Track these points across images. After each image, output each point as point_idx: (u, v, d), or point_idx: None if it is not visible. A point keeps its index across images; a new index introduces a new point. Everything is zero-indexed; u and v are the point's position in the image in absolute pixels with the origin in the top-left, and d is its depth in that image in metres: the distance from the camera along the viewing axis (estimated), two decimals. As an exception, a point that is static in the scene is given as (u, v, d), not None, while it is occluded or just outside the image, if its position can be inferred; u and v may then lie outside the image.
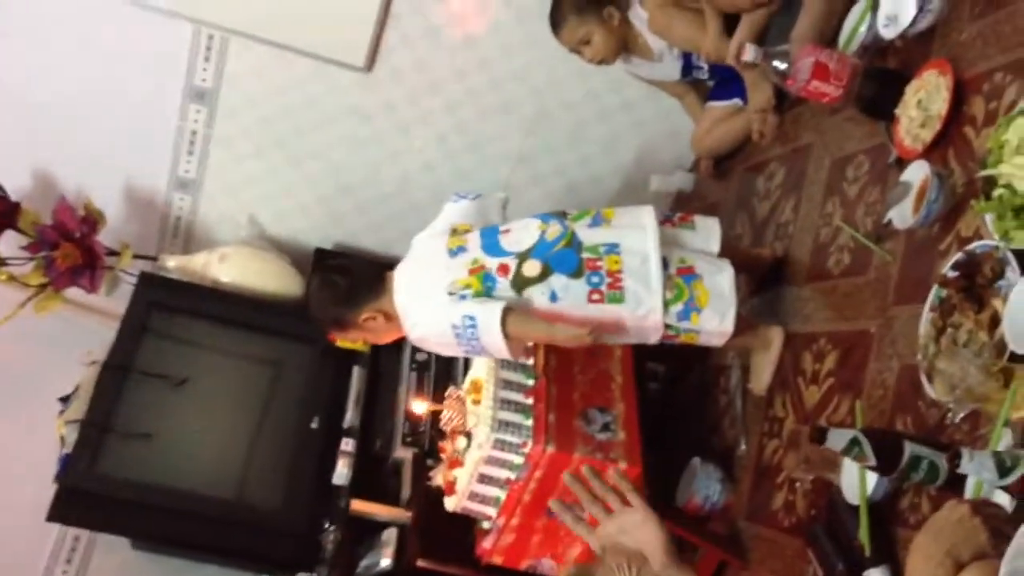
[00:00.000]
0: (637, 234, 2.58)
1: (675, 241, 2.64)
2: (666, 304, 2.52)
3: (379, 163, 3.71)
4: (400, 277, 2.65)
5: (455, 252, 2.62)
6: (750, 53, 2.52)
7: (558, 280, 2.52)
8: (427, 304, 2.57)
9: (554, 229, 2.60)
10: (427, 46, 3.50)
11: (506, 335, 2.44)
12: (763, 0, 2.83)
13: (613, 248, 2.56)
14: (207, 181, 3.74)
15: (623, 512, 1.59)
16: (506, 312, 2.45)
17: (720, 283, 2.57)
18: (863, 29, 2.58)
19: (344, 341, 3.00)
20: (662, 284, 2.52)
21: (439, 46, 3.50)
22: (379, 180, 3.73)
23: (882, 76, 2.42)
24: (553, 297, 2.52)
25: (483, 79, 3.56)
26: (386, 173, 3.73)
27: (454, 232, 2.69)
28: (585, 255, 2.55)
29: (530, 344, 2.67)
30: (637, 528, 1.55)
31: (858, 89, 2.41)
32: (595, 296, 2.51)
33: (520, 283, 2.52)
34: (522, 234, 2.61)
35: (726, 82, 3.26)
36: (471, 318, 2.47)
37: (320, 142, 3.67)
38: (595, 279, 2.52)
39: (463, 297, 2.52)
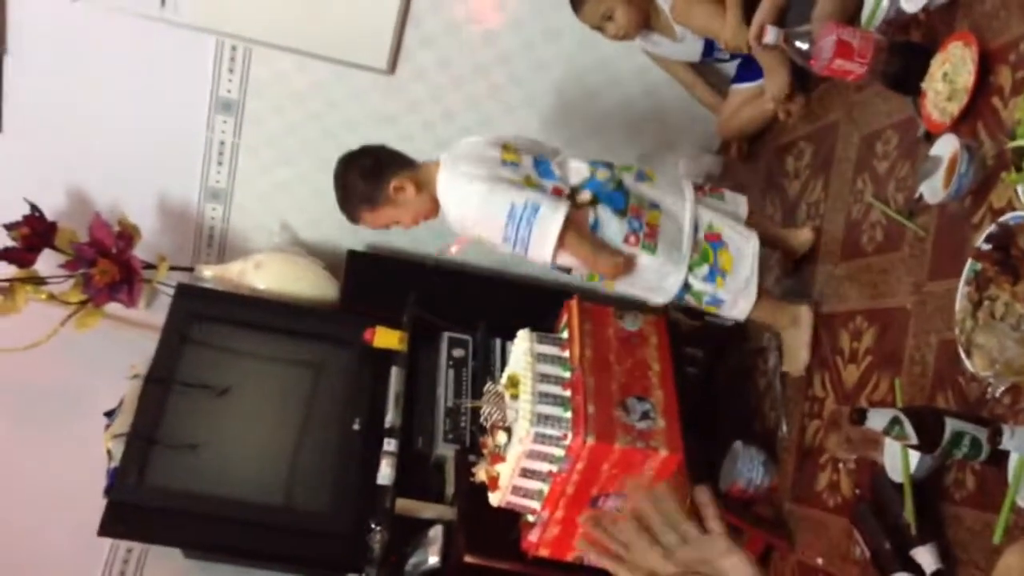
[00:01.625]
0: (678, 200, 2.76)
1: (705, 205, 2.78)
2: (691, 267, 2.67)
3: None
4: (445, 161, 2.74)
5: (507, 163, 2.70)
6: (771, 35, 2.51)
7: (604, 211, 2.67)
8: (488, 178, 2.64)
9: (603, 173, 2.75)
10: (448, 44, 3.51)
11: (560, 238, 2.57)
12: None
13: (655, 206, 2.73)
14: (238, 190, 3.78)
15: (704, 540, 1.36)
16: (569, 215, 2.58)
17: (744, 251, 2.69)
18: (885, 4, 2.55)
19: (375, 221, 2.86)
20: (690, 251, 2.68)
21: (460, 44, 3.51)
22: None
23: (906, 50, 2.39)
24: (595, 224, 2.67)
25: (505, 74, 3.57)
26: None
27: (507, 147, 2.77)
28: (632, 202, 2.71)
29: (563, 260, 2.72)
30: (722, 557, 1.33)
31: (883, 65, 2.39)
32: (631, 239, 2.67)
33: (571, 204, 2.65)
34: (573, 173, 2.76)
35: (749, 64, 3.25)
36: (536, 206, 2.58)
37: (347, 145, 3.62)
38: (635, 224, 2.69)
39: (523, 188, 2.62)
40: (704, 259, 2.68)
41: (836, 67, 2.42)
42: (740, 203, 2.85)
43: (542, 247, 2.60)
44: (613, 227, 2.67)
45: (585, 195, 2.70)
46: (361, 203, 2.82)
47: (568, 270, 2.79)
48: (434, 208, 2.81)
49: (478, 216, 2.67)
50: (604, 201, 2.69)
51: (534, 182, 2.68)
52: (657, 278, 2.70)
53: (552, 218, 2.58)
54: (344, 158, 2.89)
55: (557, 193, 2.67)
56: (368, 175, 2.78)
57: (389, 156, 2.83)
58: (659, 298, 2.74)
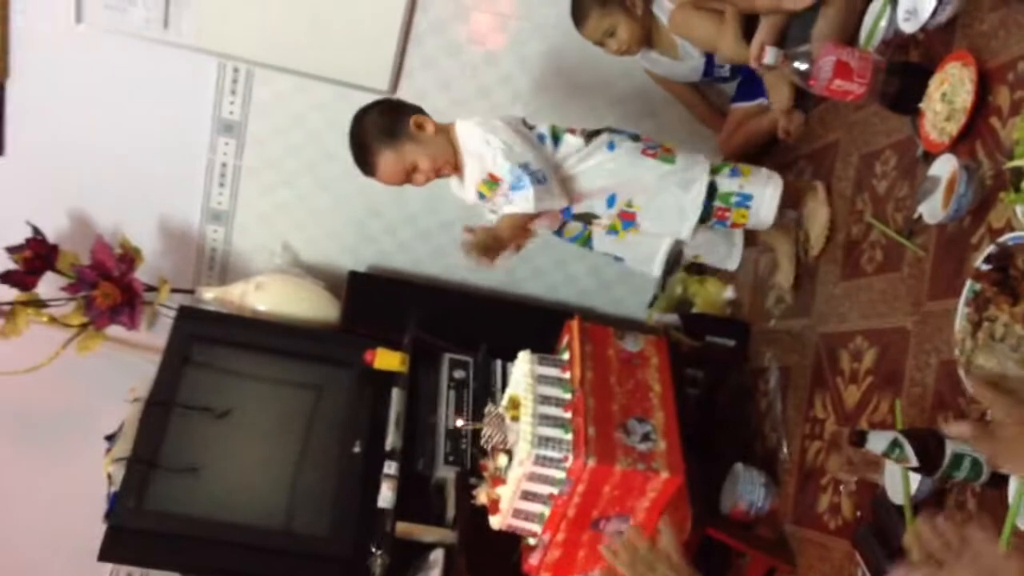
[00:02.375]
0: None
1: None
2: (714, 170, 2.79)
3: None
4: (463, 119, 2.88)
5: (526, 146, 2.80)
6: (770, 56, 2.51)
7: (619, 136, 2.85)
8: (506, 134, 2.77)
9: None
10: (449, 65, 3.52)
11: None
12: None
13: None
14: (239, 212, 3.78)
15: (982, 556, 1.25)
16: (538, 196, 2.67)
17: (760, 174, 2.84)
18: (883, 24, 2.56)
19: (396, 161, 2.83)
20: (708, 164, 2.81)
21: (460, 65, 3.52)
22: (407, 200, 3.75)
23: (905, 71, 2.39)
24: (611, 146, 2.82)
25: (506, 94, 3.57)
26: (414, 193, 3.72)
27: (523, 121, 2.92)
28: (643, 137, 2.90)
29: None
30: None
31: (881, 85, 2.39)
32: (649, 151, 2.83)
33: (588, 136, 2.84)
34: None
35: (749, 82, 3.26)
36: (545, 177, 2.71)
37: (348, 166, 3.63)
38: (651, 145, 2.86)
39: (541, 138, 2.83)
40: (725, 164, 2.85)
41: (835, 87, 2.42)
42: None
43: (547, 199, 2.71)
44: (628, 147, 2.82)
45: (601, 134, 2.86)
46: (380, 138, 2.80)
47: (590, 219, 2.88)
48: (453, 158, 2.84)
49: (497, 144, 2.74)
50: (619, 133, 2.87)
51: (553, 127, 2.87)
52: (682, 190, 2.77)
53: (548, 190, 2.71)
54: (360, 110, 2.92)
55: (572, 132, 2.86)
56: (387, 113, 2.84)
57: (404, 103, 2.94)
58: (691, 216, 2.79)
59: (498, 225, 2.70)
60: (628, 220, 2.81)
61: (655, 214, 2.80)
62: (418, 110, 2.86)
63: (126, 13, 3.37)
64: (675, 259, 3.01)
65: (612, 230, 2.86)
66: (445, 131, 2.84)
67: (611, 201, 2.80)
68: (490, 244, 2.61)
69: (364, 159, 2.86)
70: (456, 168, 2.86)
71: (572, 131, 2.85)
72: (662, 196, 2.79)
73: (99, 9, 3.35)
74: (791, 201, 2.86)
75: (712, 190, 2.77)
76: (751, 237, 2.99)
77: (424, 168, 2.81)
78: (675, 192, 2.77)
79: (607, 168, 2.82)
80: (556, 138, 2.84)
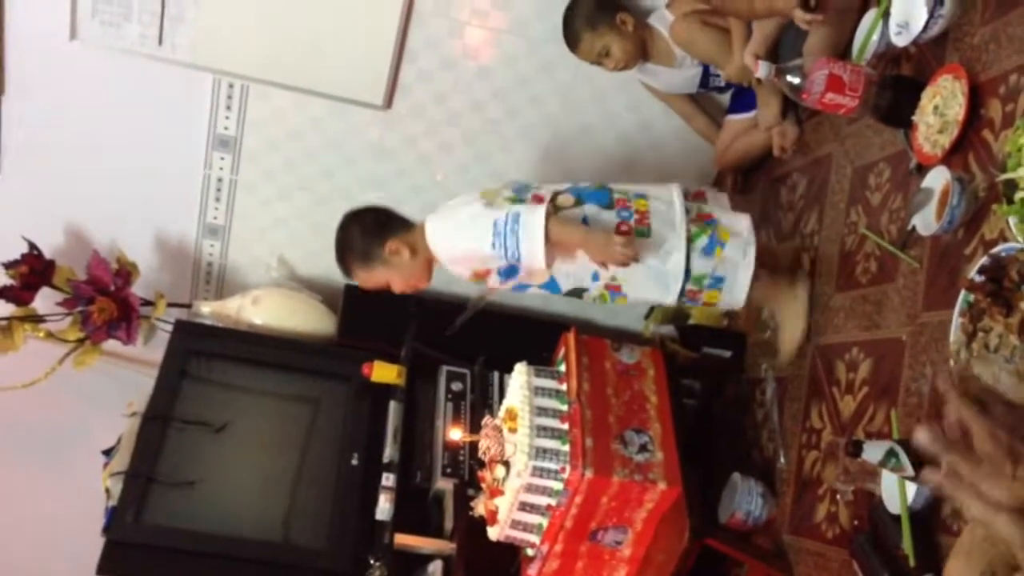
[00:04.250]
0: (662, 188, 2.81)
1: (691, 205, 2.82)
2: (691, 238, 2.69)
3: (403, 197, 3.73)
4: (432, 217, 2.83)
5: (488, 203, 2.76)
6: (762, 70, 2.53)
7: (590, 208, 2.73)
8: (467, 210, 2.73)
9: (584, 183, 2.85)
10: (443, 80, 3.54)
11: (547, 237, 2.60)
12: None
13: (641, 195, 2.79)
14: (236, 226, 3.80)
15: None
16: (548, 215, 2.62)
17: (739, 226, 2.74)
18: (875, 38, 2.58)
19: (369, 280, 2.94)
20: (686, 225, 2.69)
21: (455, 79, 3.54)
22: (403, 213, 3.76)
23: (897, 84, 2.42)
24: (585, 220, 2.71)
25: (500, 108, 3.59)
26: (410, 206, 3.72)
27: (485, 192, 2.84)
28: (616, 196, 2.77)
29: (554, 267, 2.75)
30: None
31: (874, 98, 2.41)
32: (623, 227, 2.70)
33: (554, 209, 2.70)
34: (553, 186, 2.83)
35: (743, 94, 3.27)
36: (516, 215, 2.63)
37: (344, 180, 3.71)
38: (624, 213, 2.73)
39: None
40: (702, 232, 2.71)
41: (828, 101, 2.44)
42: (722, 200, 2.91)
43: (532, 248, 2.63)
44: (602, 220, 2.71)
45: (568, 199, 2.75)
46: (356, 259, 2.90)
47: (580, 293, 2.80)
48: (426, 275, 2.91)
49: (468, 244, 2.73)
50: (588, 200, 2.75)
51: (514, 199, 2.75)
52: (660, 262, 2.70)
53: (533, 217, 2.63)
54: (349, 213, 2.97)
55: (537, 200, 2.73)
56: (367, 233, 2.87)
57: (390, 217, 2.92)
58: (672, 285, 2.72)
59: (592, 244, 2.70)
60: (615, 291, 2.78)
61: (638, 286, 2.77)
62: (398, 231, 2.86)
63: (121, 29, 3.38)
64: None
65: (602, 301, 2.85)
66: (420, 249, 2.84)
67: (595, 276, 2.76)
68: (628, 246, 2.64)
69: (342, 265, 2.98)
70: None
71: (537, 199, 2.74)
72: (642, 270, 2.72)
73: (94, 25, 3.37)
74: (768, 299, 2.85)
75: (688, 268, 2.71)
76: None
77: (397, 287, 2.94)
78: (654, 264, 2.71)
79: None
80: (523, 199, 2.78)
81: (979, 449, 1.10)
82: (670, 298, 2.75)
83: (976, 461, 1.09)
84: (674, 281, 2.71)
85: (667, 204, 2.76)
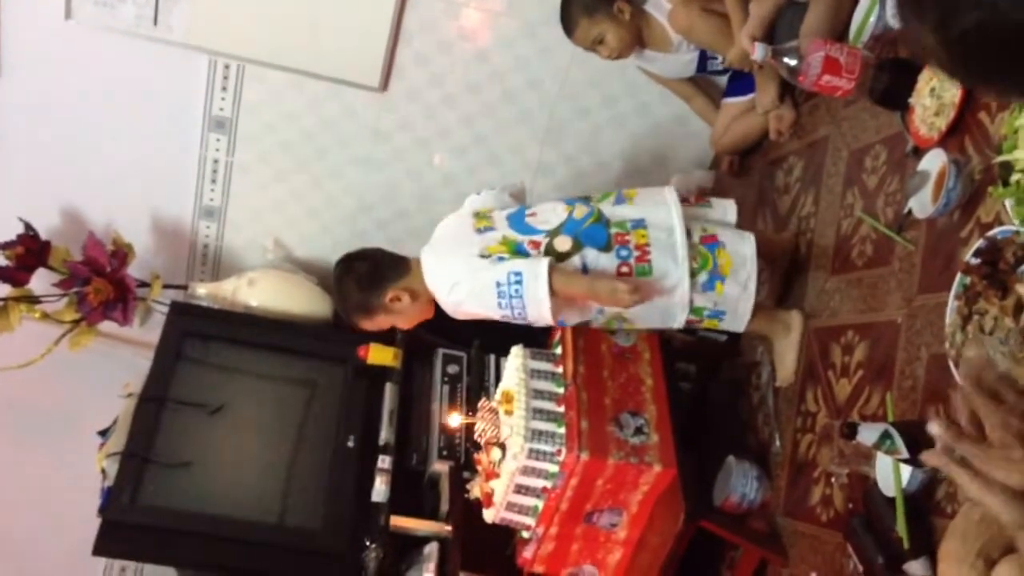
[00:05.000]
0: (661, 209, 2.70)
1: (695, 216, 2.74)
2: (693, 273, 2.61)
3: (399, 179, 3.74)
4: (427, 255, 2.76)
5: (482, 231, 2.71)
6: (759, 52, 2.52)
7: (589, 253, 2.63)
8: (468, 265, 2.65)
9: (581, 209, 2.71)
10: (440, 62, 3.53)
11: (551, 290, 2.53)
12: None
13: (640, 223, 2.67)
14: (231, 208, 3.79)
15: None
16: (551, 268, 2.54)
17: (743, 251, 2.66)
18: (872, 20, 2.57)
19: (372, 326, 2.93)
20: (688, 255, 2.61)
21: (452, 61, 3.53)
22: (400, 196, 3.77)
23: (894, 66, 2.40)
24: (584, 269, 2.62)
25: (497, 91, 3.59)
26: (406, 189, 3.76)
27: (478, 215, 2.78)
28: (613, 230, 2.66)
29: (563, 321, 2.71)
30: None
31: (870, 81, 2.41)
32: (624, 269, 2.62)
33: (551, 256, 2.61)
34: (549, 215, 2.72)
35: (740, 77, 3.26)
36: (517, 274, 2.56)
37: (340, 162, 3.71)
38: (624, 253, 2.63)
39: (502, 259, 2.61)
40: (703, 265, 2.63)
41: (824, 83, 2.44)
42: (728, 208, 2.81)
43: (538, 307, 2.56)
44: (602, 264, 2.62)
45: (565, 243, 2.63)
46: (357, 312, 2.87)
47: (587, 323, 2.75)
48: (430, 310, 2.87)
49: (473, 303, 2.67)
50: (586, 242, 2.63)
51: (511, 241, 2.66)
52: (664, 297, 2.64)
53: (535, 277, 2.54)
54: (342, 262, 2.93)
55: (534, 247, 2.64)
56: (364, 286, 2.82)
57: (385, 263, 2.84)
58: (679, 314, 2.66)
59: (598, 295, 2.62)
60: (621, 321, 2.77)
61: (645, 319, 2.72)
62: (395, 277, 2.79)
63: (116, 9, 3.37)
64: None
65: (610, 331, 2.83)
66: (421, 291, 2.78)
67: (600, 310, 2.70)
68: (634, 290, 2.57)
69: (344, 317, 2.96)
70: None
71: (534, 245, 2.64)
72: (647, 306, 2.65)
73: (89, 5, 3.35)
74: (763, 330, 2.79)
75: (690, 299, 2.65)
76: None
77: (403, 328, 2.98)
78: (659, 301, 2.65)
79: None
80: (520, 252, 2.67)
81: (990, 437, 1.12)
82: (676, 325, 2.72)
83: (986, 447, 1.12)
84: (681, 311, 2.65)
85: (667, 231, 2.65)
